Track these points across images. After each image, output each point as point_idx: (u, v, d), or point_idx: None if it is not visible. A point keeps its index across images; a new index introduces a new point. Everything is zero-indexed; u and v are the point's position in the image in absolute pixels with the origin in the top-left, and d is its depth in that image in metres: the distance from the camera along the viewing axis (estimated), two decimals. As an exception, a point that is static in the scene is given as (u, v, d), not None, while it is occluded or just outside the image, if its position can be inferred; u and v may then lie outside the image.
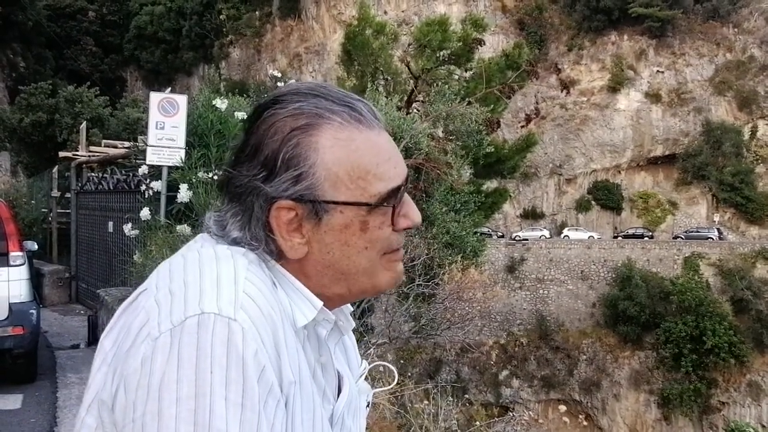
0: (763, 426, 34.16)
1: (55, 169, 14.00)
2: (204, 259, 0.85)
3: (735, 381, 35.23)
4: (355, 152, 0.89)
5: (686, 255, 37.88)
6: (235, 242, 0.89)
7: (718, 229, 41.30)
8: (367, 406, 1.12)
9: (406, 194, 0.94)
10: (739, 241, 40.06)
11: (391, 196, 0.90)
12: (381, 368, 6.81)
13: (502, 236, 41.66)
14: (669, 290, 35.65)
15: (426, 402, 4.98)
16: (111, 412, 0.78)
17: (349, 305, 1.08)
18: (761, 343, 35.01)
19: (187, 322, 0.75)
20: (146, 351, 0.76)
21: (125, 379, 0.77)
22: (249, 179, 0.88)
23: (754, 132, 43.16)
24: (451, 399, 4.97)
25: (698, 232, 41.00)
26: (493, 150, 14.76)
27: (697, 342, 34.10)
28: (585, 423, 36.56)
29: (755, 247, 37.83)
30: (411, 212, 0.94)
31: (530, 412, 29.55)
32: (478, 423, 5.03)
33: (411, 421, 4.85)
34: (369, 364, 1.19)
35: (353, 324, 1.10)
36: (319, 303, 0.90)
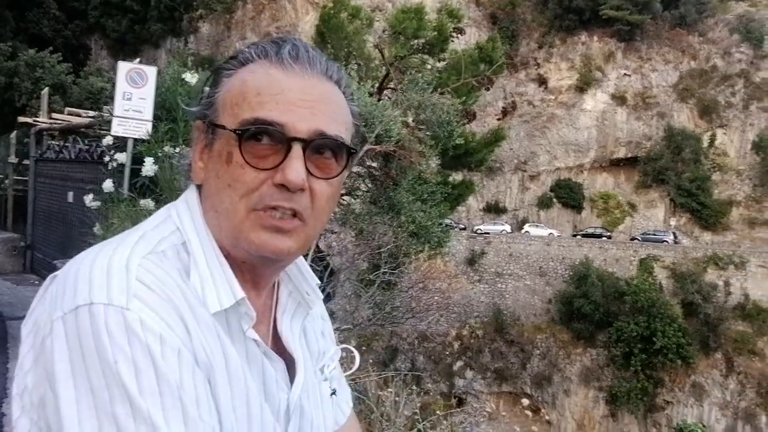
0: (704, 425, 35.28)
1: (13, 135, 13.60)
2: (108, 245, 0.83)
3: (680, 381, 36.27)
4: (247, 82, 0.87)
5: (642, 257, 38.72)
6: (188, 165, 0.93)
7: (673, 233, 42.30)
8: (332, 393, 1.06)
9: (295, 150, 0.84)
10: (693, 246, 41.09)
11: (253, 125, 0.83)
12: (343, 354, 6.79)
13: (464, 229, 41.93)
14: (623, 290, 36.41)
15: (389, 390, 4.98)
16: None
17: (316, 279, 1.03)
18: (707, 346, 36.08)
19: (78, 311, 0.74)
20: (46, 339, 0.75)
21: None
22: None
23: (712, 140, 44.24)
24: (414, 388, 4.98)
25: (655, 234, 41.92)
26: (462, 142, 14.79)
27: (647, 342, 34.94)
28: (528, 412, 37.20)
29: (707, 252, 38.87)
30: (288, 169, 0.83)
31: (490, 404, 30.07)
32: (438, 412, 5.05)
33: (372, 408, 4.84)
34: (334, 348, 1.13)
35: (320, 296, 1.05)
36: (241, 294, 0.85)
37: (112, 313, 0.73)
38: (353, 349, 1.13)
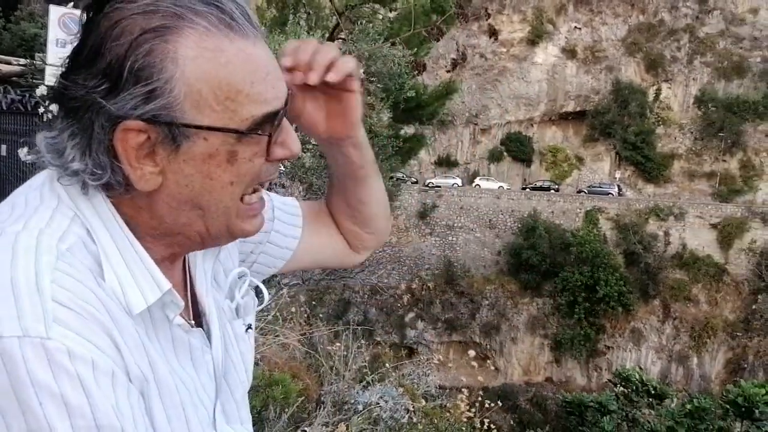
0: (641, 368, 37.00)
1: (-61, 83, 12.83)
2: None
3: (620, 327, 37.79)
4: (224, 67, 0.71)
5: (588, 209, 39.67)
6: (75, 174, 0.72)
7: (618, 186, 43.41)
8: (248, 329, 0.96)
9: (285, 120, 0.79)
10: (636, 198, 42.31)
11: (267, 122, 0.74)
12: (293, 309, 6.76)
13: (416, 182, 42.08)
14: (569, 242, 37.38)
15: (338, 344, 4.99)
16: None
17: None
18: (646, 294, 37.58)
19: None
20: None
21: None
22: (87, 91, 0.69)
23: (657, 94, 45.17)
24: (363, 342, 5.00)
25: (600, 187, 42.93)
26: (413, 95, 14.66)
27: (590, 291, 36.15)
28: (474, 363, 38.32)
29: (649, 204, 40.09)
30: (289, 140, 0.79)
31: (439, 355, 31.02)
32: (387, 365, 5.11)
33: (322, 362, 4.84)
34: (252, 288, 1.01)
35: None
36: (166, 285, 0.75)
37: (29, 346, 0.61)
38: (259, 282, 1.00)
